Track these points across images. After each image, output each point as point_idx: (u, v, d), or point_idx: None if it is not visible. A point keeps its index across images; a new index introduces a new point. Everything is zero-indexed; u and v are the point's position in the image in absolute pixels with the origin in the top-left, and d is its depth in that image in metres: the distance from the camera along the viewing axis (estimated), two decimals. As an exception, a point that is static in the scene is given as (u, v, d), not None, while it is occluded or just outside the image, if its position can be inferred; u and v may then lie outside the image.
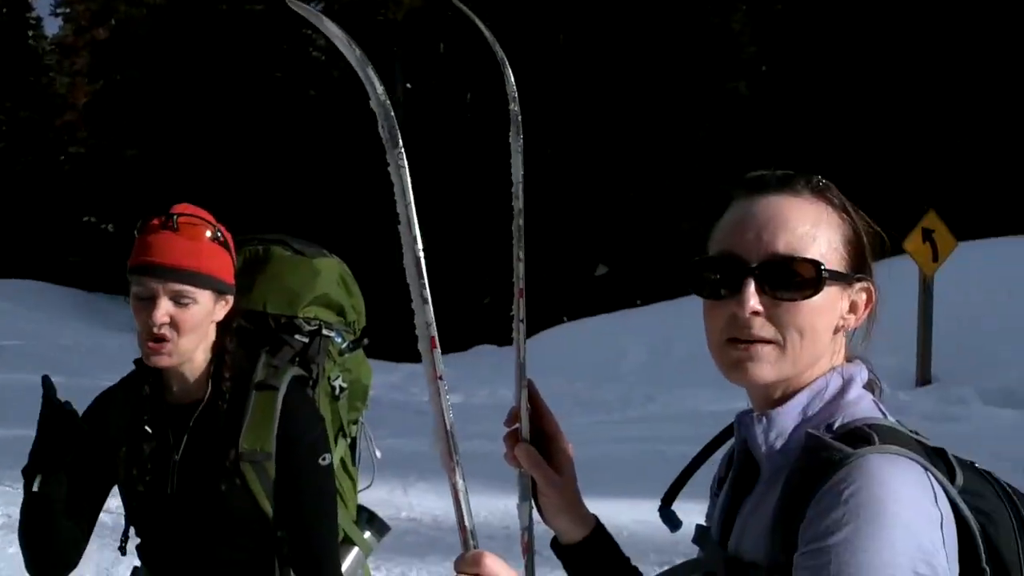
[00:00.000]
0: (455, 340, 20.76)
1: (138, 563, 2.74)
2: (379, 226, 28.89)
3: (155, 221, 2.49)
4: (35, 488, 2.44)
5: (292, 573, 2.60)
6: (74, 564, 2.60)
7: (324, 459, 2.57)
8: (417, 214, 1.24)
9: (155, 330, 2.42)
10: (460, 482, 1.33)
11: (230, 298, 2.55)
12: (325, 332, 2.83)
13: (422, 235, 1.26)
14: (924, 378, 13.47)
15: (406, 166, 1.23)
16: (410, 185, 1.24)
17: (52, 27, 48.04)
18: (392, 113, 1.23)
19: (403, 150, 1.22)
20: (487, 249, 24.82)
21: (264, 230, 3.02)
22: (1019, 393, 12.41)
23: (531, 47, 25.43)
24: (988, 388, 12.64)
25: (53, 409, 2.48)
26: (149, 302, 2.43)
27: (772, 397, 1.65)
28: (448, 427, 1.31)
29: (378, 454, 3.11)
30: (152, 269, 2.43)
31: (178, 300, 2.44)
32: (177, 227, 2.45)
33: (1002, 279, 15.31)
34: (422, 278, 1.25)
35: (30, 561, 2.56)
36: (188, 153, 33.71)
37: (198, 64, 34.06)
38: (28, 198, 44.62)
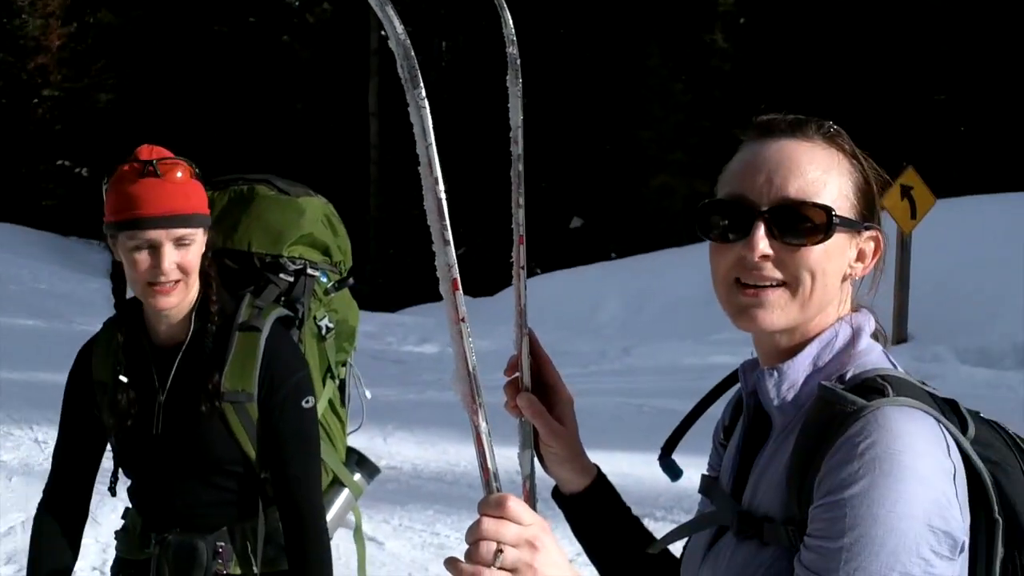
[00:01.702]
0: (431, 290, 20.71)
1: (128, 504, 2.77)
2: (354, 170, 28.74)
3: (127, 168, 2.47)
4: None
5: (276, 514, 2.62)
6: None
7: (307, 402, 2.57)
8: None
9: (163, 277, 2.45)
10: (483, 425, 1.31)
11: (210, 232, 2.58)
12: (310, 271, 2.83)
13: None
14: (900, 336, 13.56)
15: (427, 107, 1.19)
16: (431, 126, 1.20)
17: (24, -33, 47.37)
18: (412, 53, 1.20)
19: (423, 90, 1.19)
20: (459, 198, 24.75)
21: (245, 171, 2.99)
22: (994, 352, 12.51)
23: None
24: (964, 347, 12.73)
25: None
26: (151, 251, 2.45)
27: (780, 347, 1.64)
28: (471, 369, 1.29)
29: (368, 395, 3.14)
30: (151, 221, 2.43)
31: (180, 244, 2.46)
32: (160, 172, 2.44)
33: (980, 237, 15.39)
34: (444, 219, 1.22)
35: None
36: (162, 97, 33.40)
37: (168, 6, 33.69)
38: (4, 141, 44.22)
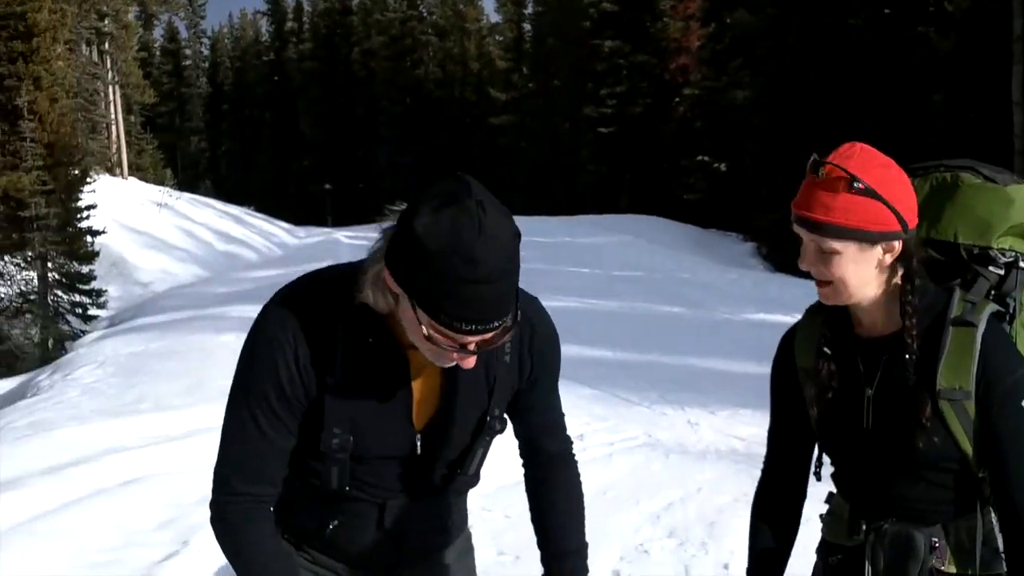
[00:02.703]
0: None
1: (833, 489, 2.82)
2: (997, 162, 27.23)
3: (811, 164, 2.47)
4: None
5: (993, 516, 2.55)
6: None
7: None
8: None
9: (815, 275, 2.49)
10: None
11: (893, 244, 2.47)
12: (1022, 264, 2.62)
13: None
14: None
15: None
16: None
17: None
18: None
19: None
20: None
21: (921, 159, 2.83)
22: None
23: None
24: None
25: None
26: (807, 244, 2.48)
27: None
28: None
29: None
30: (797, 219, 2.46)
31: (821, 251, 2.45)
32: (821, 175, 2.43)
33: None
34: None
35: None
36: (796, 93, 33.70)
37: (803, 3, 33.88)
38: (647, 138, 47.12)
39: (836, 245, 2.43)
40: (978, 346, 2.45)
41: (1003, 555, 2.51)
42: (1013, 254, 2.63)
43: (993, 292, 2.60)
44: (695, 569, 6.09)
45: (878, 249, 2.47)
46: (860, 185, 2.43)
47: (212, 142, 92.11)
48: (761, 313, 17.66)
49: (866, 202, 2.43)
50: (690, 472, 8.17)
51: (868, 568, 2.63)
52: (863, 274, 2.48)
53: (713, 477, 8.02)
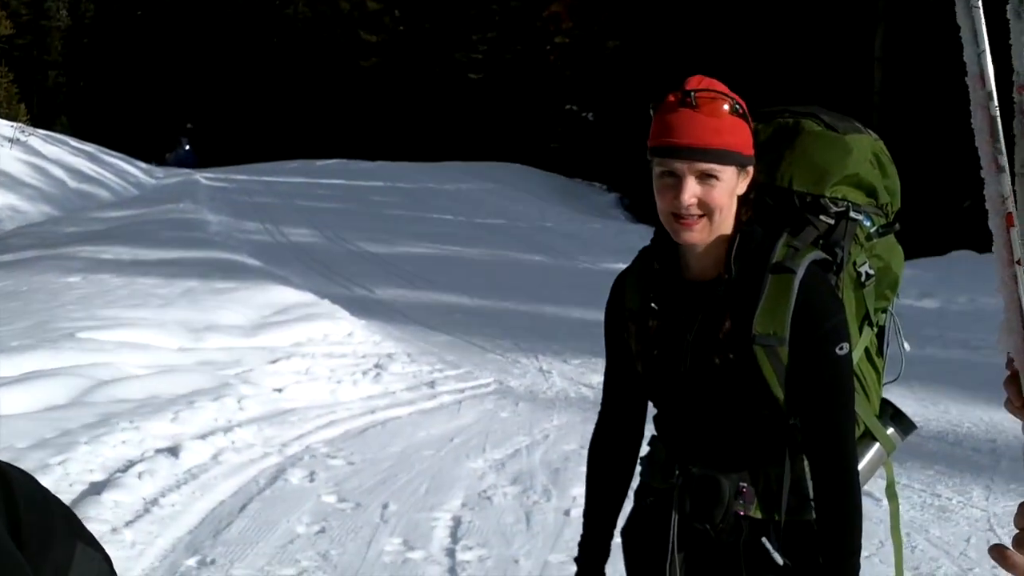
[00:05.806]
0: (931, 244, 19.75)
1: (655, 432, 2.77)
2: (855, 117, 27.83)
3: (672, 98, 2.42)
4: None
5: (805, 463, 2.53)
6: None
7: (842, 348, 2.44)
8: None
9: (683, 210, 2.40)
10: (1045, 399, 1.11)
11: (751, 169, 2.48)
12: (852, 214, 2.63)
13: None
14: None
15: (979, 6, 1.03)
16: (984, 29, 1.06)
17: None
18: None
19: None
20: (968, 146, 23.31)
21: (783, 103, 2.82)
22: None
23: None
24: None
25: None
26: (675, 182, 2.40)
27: None
28: None
29: (907, 347, 2.88)
30: (677, 150, 2.38)
31: (704, 179, 2.39)
32: (696, 104, 2.38)
33: None
34: (997, 142, 1.05)
35: None
36: (664, 41, 33.98)
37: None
38: (516, 86, 47.01)
39: (719, 170, 2.39)
40: (795, 293, 2.42)
41: (812, 502, 2.51)
42: (845, 204, 2.63)
43: (821, 241, 2.59)
44: (536, 515, 6.04)
45: (742, 175, 2.46)
46: (740, 108, 2.42)
47: (71, 77, 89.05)
48: (621, 263, 17.41)
49: (741, 124, 2.44)
50: (539, 420, 8.14)
51: (675, 511, 2.60)
52: (731, 203, 2.46)
53: (561, 424, 8.02)
